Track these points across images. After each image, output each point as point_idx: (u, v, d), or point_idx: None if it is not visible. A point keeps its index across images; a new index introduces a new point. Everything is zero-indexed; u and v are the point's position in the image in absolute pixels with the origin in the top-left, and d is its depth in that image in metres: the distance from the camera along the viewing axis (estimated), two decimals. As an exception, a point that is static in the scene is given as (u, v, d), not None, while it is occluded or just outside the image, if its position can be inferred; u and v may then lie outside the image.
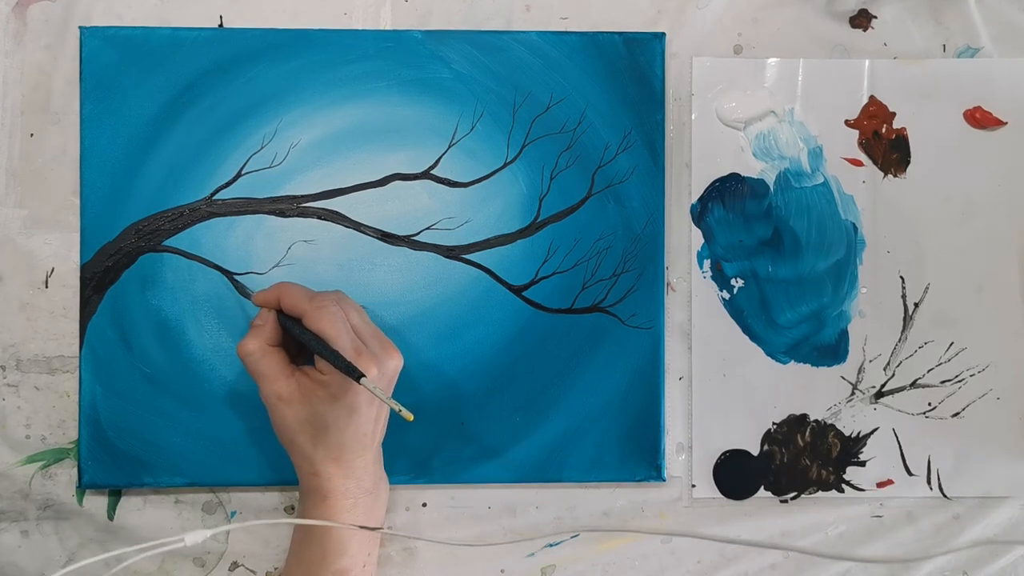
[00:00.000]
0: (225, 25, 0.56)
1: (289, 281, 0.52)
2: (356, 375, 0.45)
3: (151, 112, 0.55)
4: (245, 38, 0.55)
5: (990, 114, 0.58)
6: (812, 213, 0.57)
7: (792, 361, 0.58)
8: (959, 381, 0.58)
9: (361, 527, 0.49)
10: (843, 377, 0.58)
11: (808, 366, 0.58)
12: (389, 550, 0.57)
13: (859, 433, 0.58)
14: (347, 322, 0.48)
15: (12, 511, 0.55)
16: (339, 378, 0.47)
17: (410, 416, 0.44)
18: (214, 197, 0.55)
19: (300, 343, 0.50)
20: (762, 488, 0.57)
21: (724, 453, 0.57)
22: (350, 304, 0.51)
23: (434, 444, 0.56)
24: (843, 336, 0.58)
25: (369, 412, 0.49)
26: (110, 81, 0.54)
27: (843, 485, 0.58)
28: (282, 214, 0.55)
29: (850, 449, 0.58)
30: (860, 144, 0.58)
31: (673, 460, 0.57)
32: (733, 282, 0.57)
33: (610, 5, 0.57)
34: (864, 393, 0.58)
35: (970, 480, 0.58)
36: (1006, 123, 0.58)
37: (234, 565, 0.56)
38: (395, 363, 0.49)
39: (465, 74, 0.56)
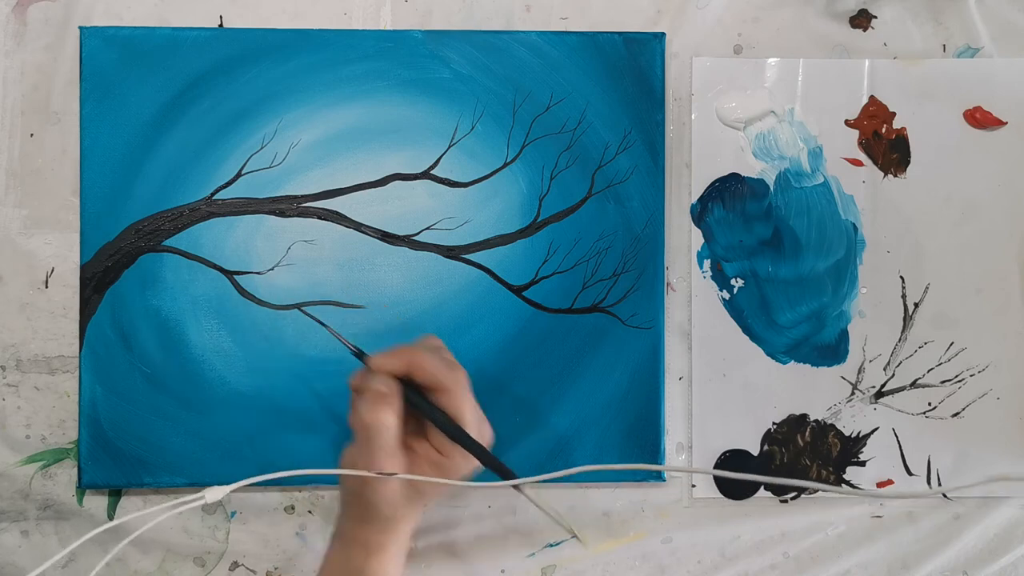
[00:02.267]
0: (225, 25, 0.56)
1: (414, 347, 0.47)
2: (511, 477, 0.42)
3: (151, 112, 0.55)
4: (245, 38, 0.55)
5: (990, 114, 0.58)
6: (812, 213, 0.57)
7: (792, 361, 0.58)
8: (959, 381, 0.58)
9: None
10: (843, 377, 0.58)
11: (808, 366, 0.58)
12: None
13: (859, 433, 0.58)
14: (477, 405, 0.45)
15: (12, 511, 0.55)
16: (465, 466, 0.44)
17: (586, 544, 0.43)
18: (214, 197, 0.55)
19: (419, 415, 0.46)
20: (762, 488, 0.57)
21: (724, 453, 0.57)
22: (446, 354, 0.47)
23: (434, 444, 0.56)
24: (843, 336, 0.58)
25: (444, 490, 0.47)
26: (110, 81, 0.54)
27: (843, 485, 0.58)
28: (282, 214, 0.55)
29: (850, 449, 0.58)
30: (860, 144, 0.58)
31: (673, 460, 0.57)
32: (733, 282, 0.57)
33: (610, 5, 0.57)
34: (864, 393, 0.58)
35: (970, 480, 0.58)
36: (1006, 123, 0.58)
37: (234, 565, 0.56)
38: (487, 433, 0.47)
39: (465, 74, 0.56)
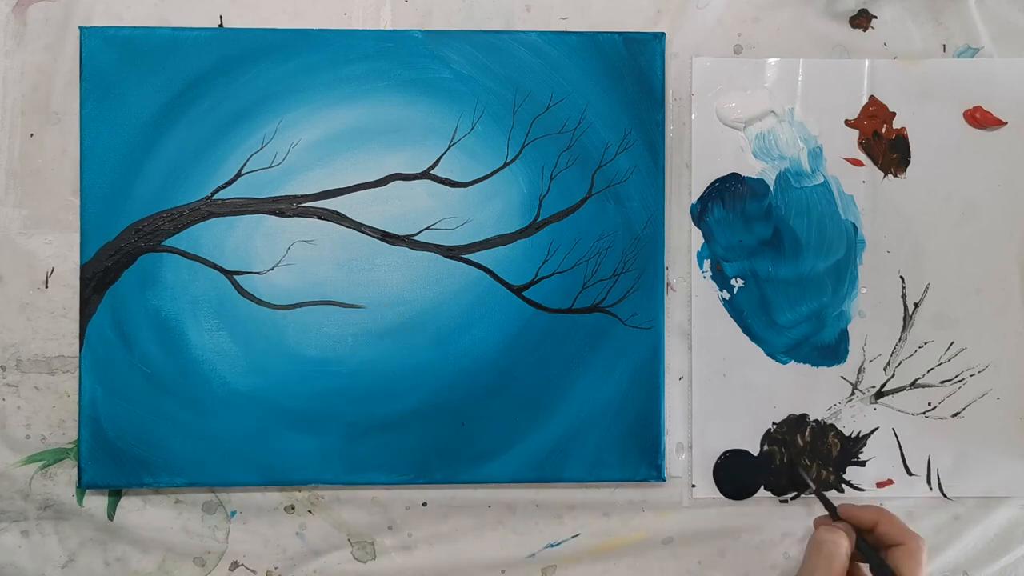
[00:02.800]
0: (225, 25, 0.56)
1: (888, 510, 0.51)
2: None
3: (151, 112, 0.55)
4: (245, 38, 0.55)
5: (990, 114, 0.58)
6: (812, 213, 0.57)
7: (792, 361, 0.58)
8: (959, 381, 0.58)
9: None
10: (843, 377, 0.58)
11: (808, 366, 0.58)
12: (389, 549, 0.57)
13: (859, 433, 0.58)
14: None
15: (12, 511, 0.55)
16: None
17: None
18: (214, 197, 0.55)
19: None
20: (762, 488, 0.57)
21: (724, 453, 0.57)
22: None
23: (435, 444, 0.56)
24: (843, 336, 0.58)
25: None
26: (110, 81, 0.54)
27: (843, 485, 0.58)
28: (282, 214, 0.55)
29: (850, 449, 0.58)
30: (860, 144, 0.58)
31: (673, 460, 0.57)
32: (733, 282, 0.57)
33: (610, 5, 0.57)
34: (864, 393, 0.58)
35: (970, 480, 0.58)
36: (1006, 123, 0.58)
37: (234, 565, 0.56)
38: None
39: (465, 74, 0.56)
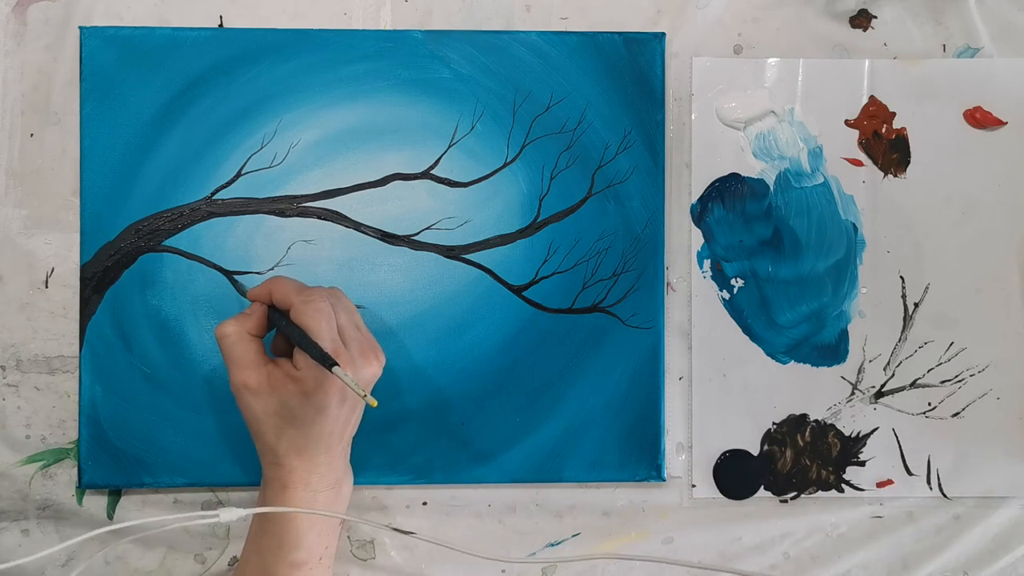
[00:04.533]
0: (225, 25, 0.56)
1: (285, 276, 0.52)
2: (329, 363, 0.45)
3: (151, 112, 0.55)
4: (245, 38, 0.55)
5: (990, 114, 0.58)
6: (812, 213, 0.57)
7: (792, 361, 0.58)
8: (959, 381, 0.58)
9: (339, 515, 0.50)
10: (843, 377, 0.58)
11: (808, 366, 0.58)
12: (389, 549, 0.57)
13: (859, 433, 0.58)
14: (333, 320, 0.48)
15: (12, 511, 0.55)
16: (313, 374, 0.47)
17: (374, 402, 0.45)
18: (214, 197, 0.55)
19: (289, 342, 0.50)
20: (762, 488, 0.57)
21: (724, 453, 0.57)
22: (341, 303, 0.50)
23: (435, 444, 0.56)
24: (843, 336, 0.58)
25: (339, 412, 0.48)
26: (110, 81, 0.54)
27: (843, 485, 0.58)
28: (282, 214, 0.55)
29: (850, 449, 0.58)
30: (860, 144, 0.58)
31: (673, 460, 0.57)
32: (733, 282, 0.57)
33: (610, 5, 0.57)
34: (864, 393, 0.58)
35: (970, 480, 0.58)
36: (1006, 123, 0.58)
37: (234, 561, 0.56)
38: (371, 371, 0.49)
39: (465, 74, 0.56)
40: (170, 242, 0.55)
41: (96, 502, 0.56)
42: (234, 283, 0.55)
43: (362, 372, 0.48)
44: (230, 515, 0.44)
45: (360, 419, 0.51)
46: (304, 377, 0.47)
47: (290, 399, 0.47)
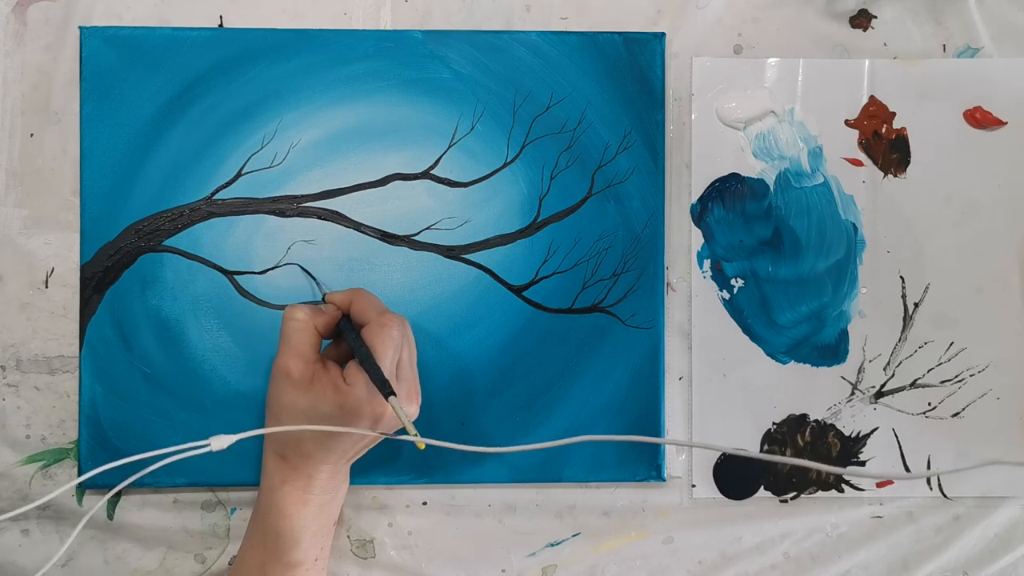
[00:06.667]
0: (225, 25, 0.56)
1: (368, 291, 0.52)
2: (387, 391, 0.45)
3: (151, 112, 0.55)
4: (245, 38, 0.55)
5: (990, 114, 0.58)
6: (812, 213, 0.57)
7: (792, 361, 0.58)
8: (959, 381, 0.58)
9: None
10: (843, 377, 0.58)
11: (808, 366, 0.58)
12: (389, 548, 0.57)
13: (859, 433, 0.58)
14: (400, 352, 0.48)
15: (12, 511, 0.55)
16: (359, 394, 0.46)
17: (422, 444, 0.44)
18: (214, 197, 0.55)
19: (343, 355, 0.50)
20: (762, 488, 0.57)
21: (724, 453, 0.57)
22: (409, 338, 0.50)
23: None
24: (843, 336, 0.58)
25: (362, 438, 0.48)
26: (110, 81, 0.54)
27: (843, 485, 0.58)
28: (282, 214, 0.55)
29: (850, 449, 0.58)
30: (860, 144, 0.58)
31: (673, 460, 0.57)
32: (733, 282, 0.57)
33: (610, 5, 0.57)
34: (864, 393, 0.58)
35: (970, 480, 0.58)
36: (1006, 123, 0.58)
37: (234, 559, 0.56)
38: (411, 412, 0.49)
39: (465, 74, 0.56)
40: (170, 242, 0.55)
41: (96, 502, 0.56)
42: (235, 283, 0.55)
43: (404, 411, 0.48)
44: (220, 443, 0.44)
45: (369, 450, 0.51)
46: (349, 392, 0.47)
47: (324, 405, 0.47)
